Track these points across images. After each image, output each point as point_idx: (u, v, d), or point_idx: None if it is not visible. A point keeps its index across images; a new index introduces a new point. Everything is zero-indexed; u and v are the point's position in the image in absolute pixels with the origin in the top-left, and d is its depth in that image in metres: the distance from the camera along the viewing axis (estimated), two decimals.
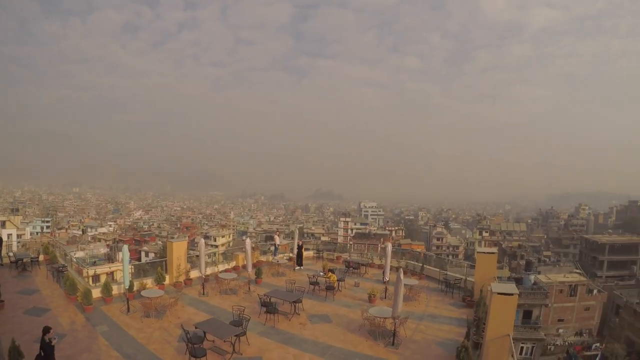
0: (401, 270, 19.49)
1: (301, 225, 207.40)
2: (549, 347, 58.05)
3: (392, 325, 18.80)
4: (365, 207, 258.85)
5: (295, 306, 21.75)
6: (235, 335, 16.30)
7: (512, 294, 15.98)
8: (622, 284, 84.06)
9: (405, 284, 24.60)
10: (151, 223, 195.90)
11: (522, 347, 50.30)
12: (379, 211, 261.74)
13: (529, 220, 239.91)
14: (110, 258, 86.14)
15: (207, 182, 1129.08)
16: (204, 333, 16.34)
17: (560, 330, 66.61)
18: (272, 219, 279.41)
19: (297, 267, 33.11)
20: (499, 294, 15.99)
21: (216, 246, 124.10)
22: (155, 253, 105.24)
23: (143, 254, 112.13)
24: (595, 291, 70.28)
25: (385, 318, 19.32)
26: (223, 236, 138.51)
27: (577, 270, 79.35)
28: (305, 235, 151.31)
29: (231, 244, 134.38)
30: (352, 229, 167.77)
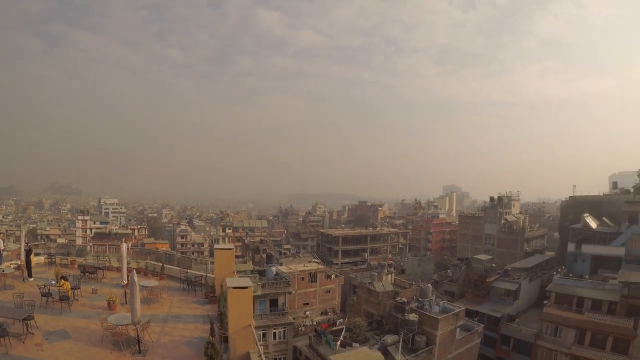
0: (134, 271, 20.33)
1: (34, 225, 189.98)
2: (299, 328, 65.32)
3: (136, 332, 19.42)
4: (106, 204, 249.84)
5: (27, 324, 20.40)
6: None
7: (246, 287, 18.78)
8: (355, 268, 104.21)
9: (144, 286, 25.76)
10: None
11: (274, 333, 56.43)
12: (121, 209, 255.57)
13: (271, 217, 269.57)
14: None
15: None
16: None
17: (308, 313, 75.53)
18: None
19: (27, 277, 30.68)
20: (234, 288, 18.61)
21: None
22: None
23: None
24: (333, 276, 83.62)
25: (126, 325, 19.80)
26: None
27: (316, 260, 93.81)
28: (39, 237, 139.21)
29: None
30: (91, 229, 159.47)
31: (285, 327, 57.16)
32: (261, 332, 54.11)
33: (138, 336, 19.40)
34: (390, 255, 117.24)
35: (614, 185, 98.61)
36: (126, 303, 25.72)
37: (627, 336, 54.83)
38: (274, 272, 61.75)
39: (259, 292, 54.87)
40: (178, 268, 33.97)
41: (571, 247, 76.29)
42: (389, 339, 52.82)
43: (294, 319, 62.88)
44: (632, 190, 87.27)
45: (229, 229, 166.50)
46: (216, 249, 29.24)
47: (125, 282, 26.99)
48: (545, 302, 66.96)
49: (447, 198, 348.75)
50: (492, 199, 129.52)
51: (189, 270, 32.93)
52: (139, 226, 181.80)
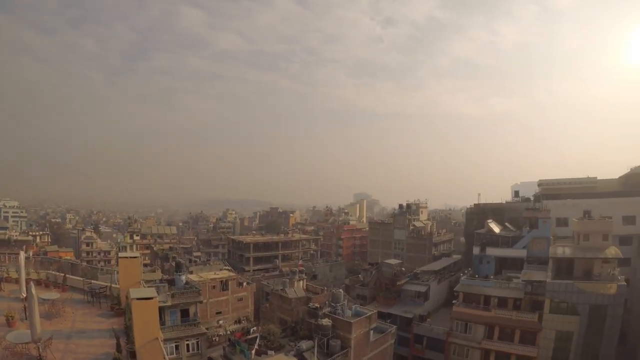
0: (32, 283, 19.42)
1: None
2: (213, 338, 64.34)
3: (37, 350, 18.45)
4: (6, 207, 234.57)
5: None
6: None
7: (151, 298, 18.10)
8: (268, 275, 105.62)
9: (44, 299, 24.39)
10: None
11: (187, 344, 55.04)
12: (22, 212, 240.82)
13: (181, 224, 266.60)
14: None
15: None
16: None
17: (221, 322, 74.75)
18: None
19: None
20: (138, 299, 17.88)
21: None
22: None
23: None
24: (245, 283, 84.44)
25: (27, 343, 18.80)
26: None
27: (227, 267, 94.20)
28: None
29: None
30: None
31: (198, 338, 56.05)
32: (174, 345, 52.96)
33: (40, 355, 18.51)
34: (301, 262, 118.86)
35: (516, 194, 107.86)
36: (26, 318, 24.41)
37: (533, 329, 61.37)
38: (184, 281, 60.90)
39: (169, 303, 53.59)
40: (81, 279, 32.44)
41: (476, 250, 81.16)
42: (304, 344, 53.64)
43: (206, 329, 62.01)
44: (532, 198, 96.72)
45: (137, 235, 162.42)
46: (121, 257, 28.20)
47: (24, 295, 25.46)
48: (454, 301, 71.41)
49: (358, 205, 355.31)
50: (401, 206, 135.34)
51: (93, 281, 31.60)
52: (41, 232, 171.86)
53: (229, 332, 67.42)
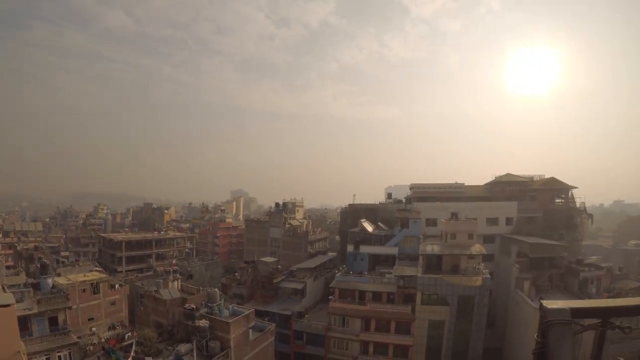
0: None
1: None
2: (87, 348, 60.14)
3: None
4: None
5: None
6: None
7: (8, 305, 16.23)
8: (141, 275, 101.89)
9: None
10: None
11: (59, 356, 51.25)
12: None
13: (47, 219, 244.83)
14: None
15: None
16: None
17: (94, 329, 70.09)
18: None
19: None
20: None
21: None
22: None
23: None
24: (117, 285, 79.74)
25: None
26: None
27: (98, 268, 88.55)
28: None
29: None
30: None
31: (70, 349, 52.31)
32: (44, 357, 49.10)
33: None
34: (175, 261, 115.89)
35: (389, 195, 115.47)
36: None
37: (408, 319, 66.54)
38: (51, 285, 57.38)
39: (35, 310, 49.53)
40: None
41: (351, 248, 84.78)
42: (183, 348, 52.82)
43: (79, 337, 57.98)
44: (404, 200, 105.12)
45: None
46: None
47: None
48: (330, 297, 73.84)
49: (235, 203, 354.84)
50: (277, 204, 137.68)
51: None
52: None
53: (103, 340, 63.85)
